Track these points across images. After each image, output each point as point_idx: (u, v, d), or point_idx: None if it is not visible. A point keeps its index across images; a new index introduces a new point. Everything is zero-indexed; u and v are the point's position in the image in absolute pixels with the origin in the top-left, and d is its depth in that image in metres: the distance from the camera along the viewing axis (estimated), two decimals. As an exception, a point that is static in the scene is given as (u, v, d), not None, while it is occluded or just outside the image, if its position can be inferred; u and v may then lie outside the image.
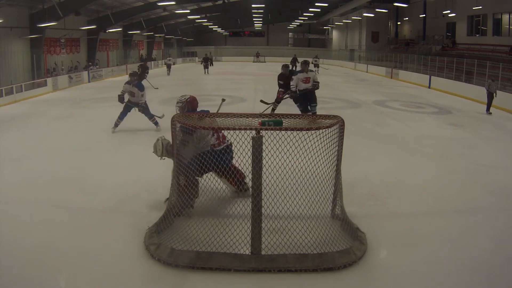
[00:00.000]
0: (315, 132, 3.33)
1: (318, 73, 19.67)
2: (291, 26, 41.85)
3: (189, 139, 3.90)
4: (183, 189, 3.71)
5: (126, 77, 9.54)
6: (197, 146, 3.92)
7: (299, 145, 3.38)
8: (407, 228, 3.86)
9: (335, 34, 40.45)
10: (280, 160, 3.32)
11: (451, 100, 13.27)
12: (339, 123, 3.50)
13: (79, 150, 6.57)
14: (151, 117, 7.75)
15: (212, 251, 3.21)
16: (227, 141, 4.08)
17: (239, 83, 17.93)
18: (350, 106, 11.63)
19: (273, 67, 29.46)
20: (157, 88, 14.28)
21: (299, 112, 7.94)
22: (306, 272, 3.01)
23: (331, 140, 3.48)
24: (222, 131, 3.97)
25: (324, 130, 3.36)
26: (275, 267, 3.02)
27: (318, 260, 3.09)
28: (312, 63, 20.93)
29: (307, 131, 3.28)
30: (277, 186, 3.99)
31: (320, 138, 3.39)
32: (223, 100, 5.15)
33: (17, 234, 3.61)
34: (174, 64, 18.67)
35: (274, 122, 3.33)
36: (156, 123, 7.80)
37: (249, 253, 3.16)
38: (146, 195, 4.42)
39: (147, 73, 16.22)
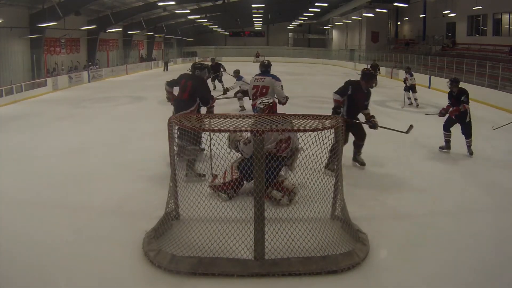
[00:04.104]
0: (315, 133, 3.30)
1: (415, 104, 11.55)
2: (291, 26, 41.82)
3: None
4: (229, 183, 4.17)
5: (125, 77, 9.48)
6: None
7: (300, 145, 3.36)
8: (408, 228, 3.86)
9: (335, 34, 40.43)
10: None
11: (451, 100, 13.20)
12: (340, 123, 3.49)
13: (78, 150, 6.56)
14: None
15: (214, 256, 3.14)
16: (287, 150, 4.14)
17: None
18: (350, 106, 11.56)
19: (274, 67, 29.44)
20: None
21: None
22: (310, 276, 2.98)
23: (331, 140, 3.46)
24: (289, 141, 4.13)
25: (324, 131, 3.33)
26: (278, 271, 2.98)
27: (322, 263, 3.06)
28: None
29: (305, 132, 3.26)
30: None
31: (319, 138, 3.36)
32: (411, 126, 5.70)
33: (16, 234, 3.60)
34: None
35: None
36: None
37: (252, 258, 3.11)
38: (146, 196, 4.41)
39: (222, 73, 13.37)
